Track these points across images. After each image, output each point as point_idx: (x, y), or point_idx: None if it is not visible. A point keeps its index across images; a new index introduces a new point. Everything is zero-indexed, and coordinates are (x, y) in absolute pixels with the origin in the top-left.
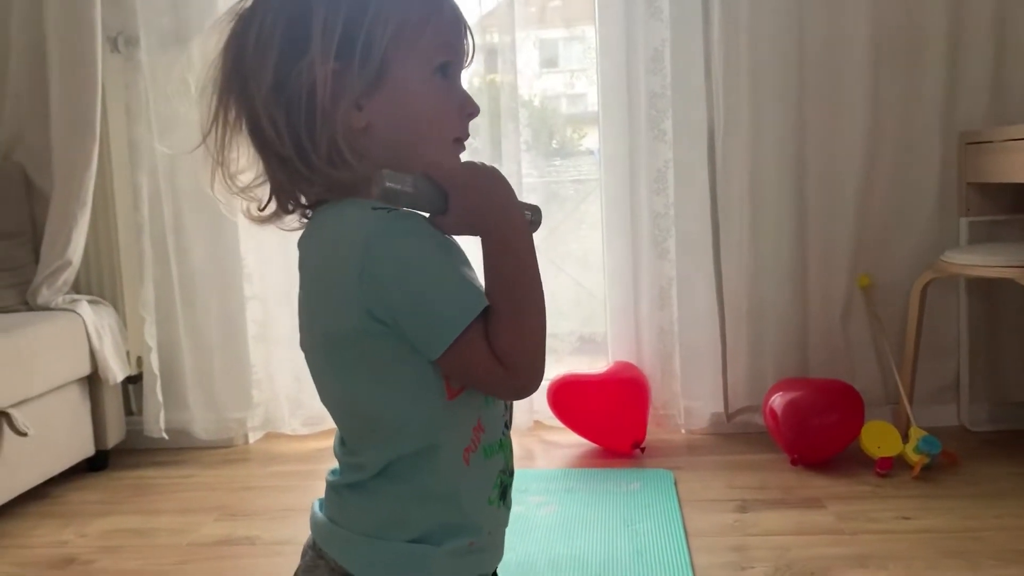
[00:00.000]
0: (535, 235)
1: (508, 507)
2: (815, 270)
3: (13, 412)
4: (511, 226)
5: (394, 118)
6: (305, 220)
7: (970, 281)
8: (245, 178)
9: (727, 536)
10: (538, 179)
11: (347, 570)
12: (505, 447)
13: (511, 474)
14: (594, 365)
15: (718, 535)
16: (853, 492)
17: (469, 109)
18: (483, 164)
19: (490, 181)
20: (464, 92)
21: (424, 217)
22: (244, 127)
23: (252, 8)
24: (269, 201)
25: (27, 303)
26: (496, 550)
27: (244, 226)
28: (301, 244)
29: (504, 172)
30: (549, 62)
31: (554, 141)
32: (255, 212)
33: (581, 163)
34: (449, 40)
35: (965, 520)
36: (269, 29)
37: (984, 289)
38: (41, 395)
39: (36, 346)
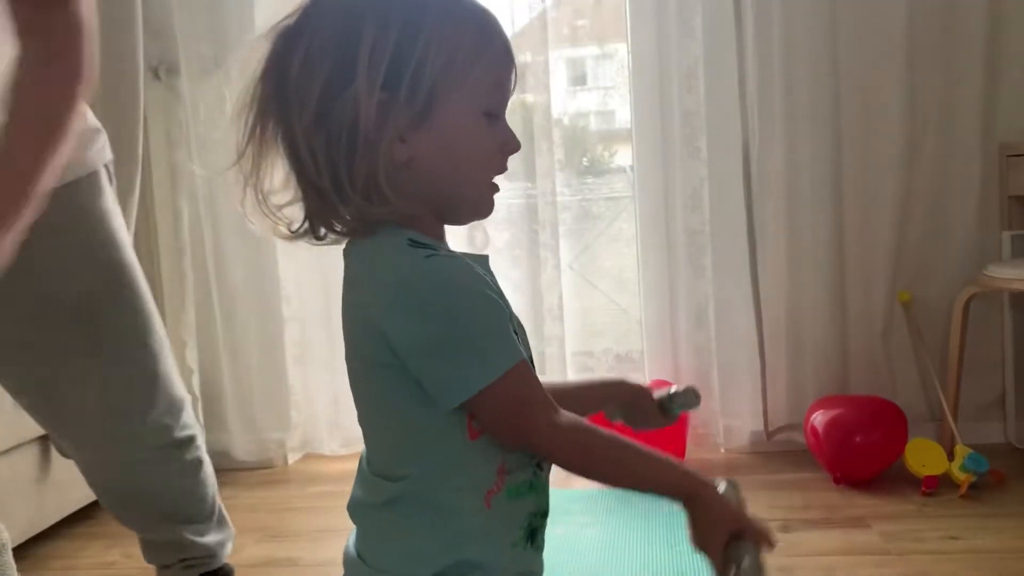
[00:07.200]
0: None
1: (539, 549)
2: (854, 286)
3: None
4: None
5: (438, 154)
6: (335, 241)
7: (1014, 295)
8: (278, 198)
9: (771, 556)
10: (571, 197)
11: None
12: (537, 488)
13: (544, 515)
14: None
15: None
16: (898, 511)
17: (511, 148)
18: None
19: None
20: (508, 130)
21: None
22: (281, 150)
23: (298, 28)
24: (303, 224)
25: None
26: None
27: (282, 249)
28: (354, 270)
29: (538, 191)
30: (578, 80)
31: (585, 159)
32: (285, 231)
33: (614, 181)
34: (500, 80)
35: (1015, 540)
36: (316, 54)
37: None
38: None
39: None
